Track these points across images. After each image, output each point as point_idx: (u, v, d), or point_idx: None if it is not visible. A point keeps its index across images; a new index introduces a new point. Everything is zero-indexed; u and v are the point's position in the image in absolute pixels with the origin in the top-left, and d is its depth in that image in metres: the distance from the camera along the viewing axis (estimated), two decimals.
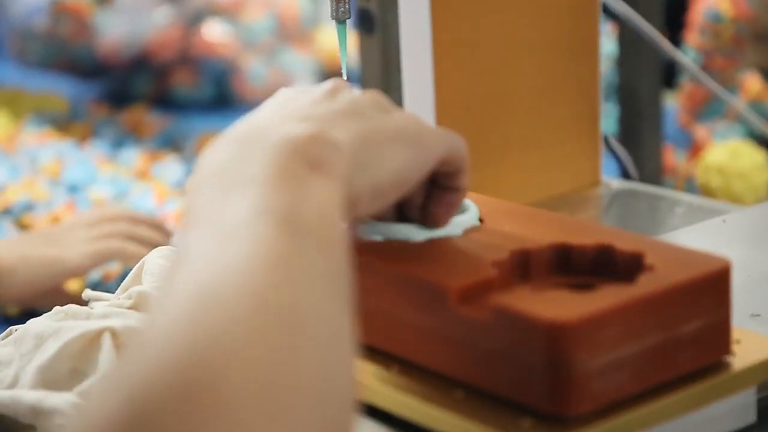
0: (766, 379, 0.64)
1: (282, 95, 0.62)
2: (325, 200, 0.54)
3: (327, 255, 0.52)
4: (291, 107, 0.60)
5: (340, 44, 0.75)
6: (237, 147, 0.57)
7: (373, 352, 0.68)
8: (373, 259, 0.67)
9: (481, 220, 0.71)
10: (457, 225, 0.69)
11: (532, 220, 0.70)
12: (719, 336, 0.63)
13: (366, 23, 1.15)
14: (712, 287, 0.62)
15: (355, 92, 0.63)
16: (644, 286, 0.60)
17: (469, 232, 0.69)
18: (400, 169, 0.61)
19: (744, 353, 0.64)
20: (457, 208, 0.68)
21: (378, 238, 0.69)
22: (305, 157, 0.55)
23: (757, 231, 0.89)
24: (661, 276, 0.61)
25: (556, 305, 0.59)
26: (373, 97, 0.63)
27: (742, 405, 0.64)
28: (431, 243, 0.68)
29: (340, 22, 0.75)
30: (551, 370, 0.58)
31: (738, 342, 0.64)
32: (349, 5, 0.75)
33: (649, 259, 0.62)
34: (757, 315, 0.72)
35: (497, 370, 0.61)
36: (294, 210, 0.52)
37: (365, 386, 0.66)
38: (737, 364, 0.63)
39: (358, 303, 0.67)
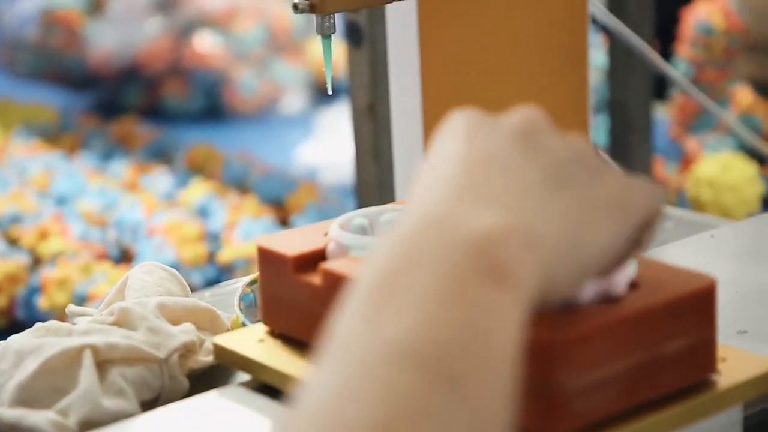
0: (752, 397, 0.64)
1: (460, 132, 0.51)
2: (499, 326, 0.45)
3: (478, 409, 0.43)
4: (478, 171, 0.49)
5: (325, 59, 0.75)
6: (407, 243, 0.46)
7: None
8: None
9: None
10: None
11: None
12: (705, 354, 0.62)
13: (354, 36, 1.15)
14: (697, 305, 0.61)
15: (553, 137, 0.53)
16: (629, 304, 0.60)
17: None
18: (608, 245, 0.51)
19: (730, 371, 0.63)
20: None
21: (365, 253, 0.68)
22: (489, 265, 0.45)
23: (746, 246, 0.89)
24: (646, 294, 0.61)
25: (541, 324, 0.59)
26: (576, 147, 0.52)
27: (728, 423, 0.64)
28: None
29: (325, 36, 0.74)
30: (536, 389, 0.57)
31: (724, 360, 0.64)
32: (334, 20, 0.75)
33: (634, 277, 0.62)
34: (744, 332, 0.71)
35: None
36: (449, 349, 0.43)
37: None
38: (723, 382, 0.63)
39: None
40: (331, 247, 0.70)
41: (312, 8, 0.72)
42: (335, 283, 0.67)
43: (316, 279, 0.68)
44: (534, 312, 0.50)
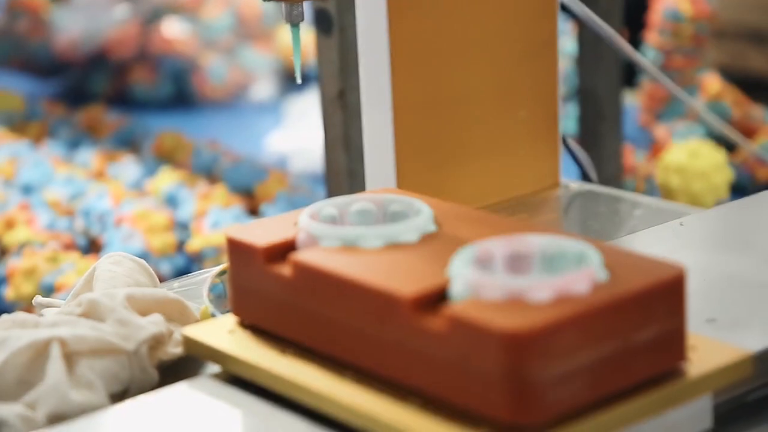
0: (722, 385, 0.64)
1: None
2: None
3: None
4: None
5: (294, 48, 0.74)
6: None
7: (326, 360, 0.67)
8: (328, 266, 0.66)
9: (437, 225, 0.70)
10: (414, 229, 0.69)
11: (487, 225, 0.69)
12: (675, 343, 0.62)
13: (323, 24, 1.14)
14: (667, 294, 0.62)
15: None
16: (599, 294, 0.60)
17: (425, 237, 0.68)
18: None
19: (700, 360, 0.64)
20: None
21: (335, 243, 0.68)
22: None
23: (714, 234, 0.89)
24: (616, 284, 0.61)
25: (511, 315, 0.59)
26: None
27: (698, 411, 0.64)
28: (387, 249, 0.67)
29: (294, 25, 0.73)
30: (507, 380, 0.58)
31: (694, 348, 0.64)
32: (302, 8, 0.74)
33: (604, 266, 0.62)
34: (713, 320, 0.72)
35: (453, 379, 0.60)
36: None
37: (318, 394, 0.65)
38: (693, 370, 0.63)
39: (314, 311, 0.66)
40: (300, 237, 0.70)
41: None
42: (305, 273, 0.67)
43: (285, 269, 0.68)
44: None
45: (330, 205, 0.72)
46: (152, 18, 2.08)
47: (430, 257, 0.66)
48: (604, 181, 1.27)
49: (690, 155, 1.33)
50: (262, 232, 0.70)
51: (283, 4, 0.72)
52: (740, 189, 1.47)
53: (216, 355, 0.70)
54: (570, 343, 0.58)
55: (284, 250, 0.69)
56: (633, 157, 1.54)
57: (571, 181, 1.10)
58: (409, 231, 0.68)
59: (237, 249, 0.71)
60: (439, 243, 0.68)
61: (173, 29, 2.08)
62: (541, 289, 0.60)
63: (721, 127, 1.31)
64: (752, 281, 0.78)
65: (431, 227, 0.70)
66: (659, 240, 0.87)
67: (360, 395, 0.64)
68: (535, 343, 0.57)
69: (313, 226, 0.69)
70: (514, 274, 0.65)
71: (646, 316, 0.61)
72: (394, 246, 0.67)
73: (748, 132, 1.62)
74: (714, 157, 1.32)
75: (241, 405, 0.67)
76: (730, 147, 1.49)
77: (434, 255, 0.66)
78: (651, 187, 1.49)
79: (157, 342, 0.73)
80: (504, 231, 0.68)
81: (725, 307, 0.74)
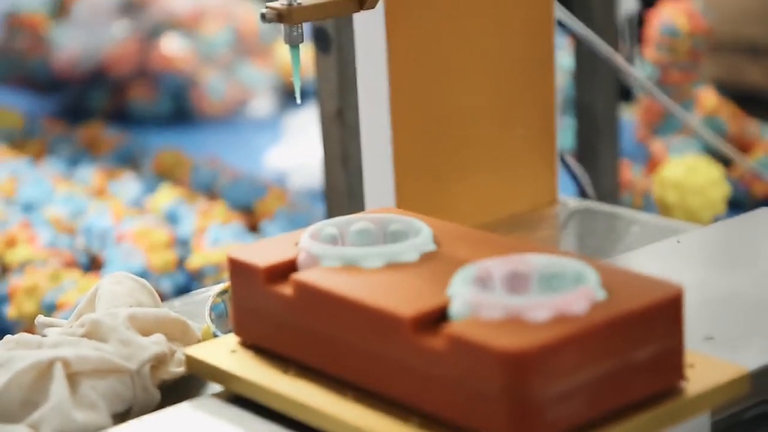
0: (720, 402, 0.65)
1: None
2: None
3: None
4: None
5: (294, 68, 0.75)
6: None
7: (328, 379, 0.67)
8: (329, 286, 0.66)
9: (437, 244, 0.71)
10: (414, 249, 0.69)
11: (486, 244, 0.70)
12: (673, 361, 0.63)
13: (322, 42, 1.15)
14: (665, 313, 0.62)
15: None
16: (597, 313, 0.61)
17: (425, 257, 0.69)
18: None
19: (698, 378, 0.64)
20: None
21: (335, 263, 0.69)
22: None
23: (711, 251, 0.90)
24: (614, 303, 0.62)
25: (510, 334, 0.59)
26: None
27: (696, 429, 0.65)
28: (388, 269, 0.68)
29: (293, 46, 0.74)
30: (507, 399, 0.58)
31: (692, 366, 0.65)
32: (302, 29, 0.75)
33: (602, 285, 0.63)
34: (711, 338, 0.72)
35: (453, 398, 0.61)
36: None
37: (320, 413, 0.65)
38: (691, 388, 0.64)
39: (315, 331, 0.67)
40: (302, 258, 0.70)
41: (280, 18, 0.73)
42: (306, 293, 0.67)
43: (287, 289, 0.69)
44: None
45: (330, 225, 0.73)
46: (151, 34, 2.09)
47: (430, 277, 0.66)
48: (601, 196, 1.28)
49: (687, 171, 1.34)
50: (263, 253, 0.71)
51: (282, 26, 0.73)
52: (737, 204, 1.48)
53: (218, 375, 0.71)
54: (569, 362, 0.59)
55: (285, 270, 0.70)
56: (630, 172, 1.55)
57: (568, 198, 1.10)
58: (409, 251, 0.69)
59: (239, 269, 0.71)
60: (438, 262, 0.68)
61: (172, 46, 2.09)
62: (540, 308, 0.60)
63: (717, 142, 1.32)
64: (750, 298, 0.78)
65: (431, 247, 0.70)
66: (657, 257, 0.88)
67: (361, 414, 0.64)
68: (535, 363, 0.58)
69: (313, 246, 0.70)
70: (513, 293, 0.65)
71: (645, 335, 0.62)
72: (394, 265, 0.68)
73: (744, 147, 1.63)
74: (711, 173, 1.33)
75: (243, 425, 0.68)
76: (726, 161, 1.50)
77: (434, 274, 0.67)
78: (648, 203, 1.49)
79: (159, 362, 0.74)
80: (503, 250, 0.68)
81: (723, 325, 0.74)
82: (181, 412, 0.70)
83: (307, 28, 1.62)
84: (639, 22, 1.71)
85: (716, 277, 0.83)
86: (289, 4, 0.74)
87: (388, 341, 0.63)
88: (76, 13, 2.05)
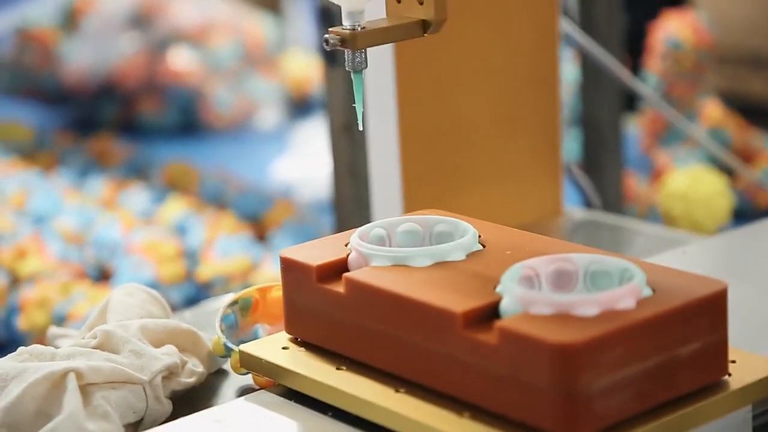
0: (761, 397, 0.66)
1: None
2: None
3: None
4: None
5: (357, 94, 0.74)
6: None
7: (382, 374, 0.68)
8: (381, 284, 0.68)
9: (482, 245, 0.72)
10: (460, 249, 0.71)
11: (531, 244, 0.71)
12: (717, 356, 0.64)
13: (330, 55, 1.16)
14: (709, 309, 0.63)
15: None
16: (644, 309, 0.62)
17: (471, 256, 0.70)
18: None
19: (740, 373, 0.65)
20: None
21: (385, 263, 0.70)
22: None
23: (717, 262, 0.90)
24: (660, 299, 0.63)
25: (560, 328, 0.60)
26: None
27: (739, 422, 0.66)
28: (437, 267, 0.69)
29: (356, 72, 0.73)
30: (557, 392, 0.59)
31: (734, 362, 0.66)
32: (365, 55, 0.73)
33: (648, 282, 0.64)
34: None
35: (504, 392, 0.62)
36: None
37: (375, 407, 0.66)
38: (734, 383, 0.65)
39: (367, 327, 0.68)
40: (352, 257, 0.72)
41: (343, 43, 0.72)
42: (359, 291, 0.69)
43: (339, 288, 0.70)
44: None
45: (378, 227, 0.74)
46: (159, 47, 2.11)
47: (478, 275, 0.68)
48: (606, 207, 1.29)
49: (692, 182, 1.35)
50: (314, 252, 0.73)
51: (346, 51, 0.73)
52: (741, 214, 1.48)
53: (273, 370, 0.72)
54: (616, 356, 0.60)
55: (337, 269, 0.71)
56: (635, 182, 1.56)
57: (574, 209, 1.11)
58: (456, 250, 0.70)
59: (291, 268, 0.73)
60: (485, 261, 0.70)
61: (180, 59, 2.10)
62: (589, 304, 0.61)
63: (721, 154, 1.33)
64: (756, 309, 0.79)
65: (477, 246, 0.72)
66: None
67: (415, 407, 0.66)
68: (584, 356, 0.59)
69: (363, 247, 0.71)
70: (559, 291, 0.66)
71: (690, 331, 0.63)
72: (442, 264, 0.69)
73: (749, 157, 1.64)
74: (715, 184, 1.34)
75: (297, 418, 0.69)
76: (730, 172, 1.51)
77: (482, 273, 0.68)
78: (653, 213, 1.50)
79: (171, 373, 0.75)
80: (547, 249, 0.69)
81: (731, 335, 0.75)
82: (236, 406, 0.71)
83: (316, 41, 1.64)
84: (642, 34, 1.72)
85: None
86: (353, 29, 0.72)
87: (440, 337, 0.65)
88: (86, 27, 2.06)
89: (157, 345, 0.77)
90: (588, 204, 1.23)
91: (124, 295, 0.82)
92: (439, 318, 0.64)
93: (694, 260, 0.90)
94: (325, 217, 1.58)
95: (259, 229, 1.56)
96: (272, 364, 0.72)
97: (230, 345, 0.78)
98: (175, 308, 1.32)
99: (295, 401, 0.70)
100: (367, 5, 0.73)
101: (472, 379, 0.63)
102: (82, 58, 2.05)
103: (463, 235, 0.72)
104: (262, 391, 0.73)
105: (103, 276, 1.43)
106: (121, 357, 0.75)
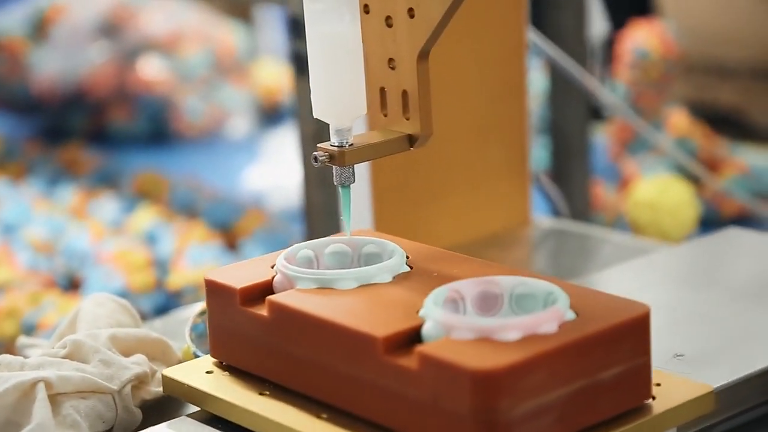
0: (686, 420, 0.66)
1: None
2: None
3: None
4: None
5: (344, 207, 0.75)
6: None
7: (306, 399, 0.68)
8: (304, 307, 0.68)
9: (410, 266, 0.72)
10: (387, 271, 0.71)
11: (458, 265, 0.72)
12: (640, 380, 0.64)
13: (300, 65, 1.17)
14: (632, 333, 0.64)
15: None
16: (567, 334, 0.62)
17: (398, 278, 0.71)
18: None
19: (664, 396, 0.66)
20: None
21: (310, 285, 0.70)
22: None
23: (683, 270, 0.91)
24: (582, 323, 0.63)
25: (481, 354, 0.61)
26: None
27: None
28: (362, 290, 0.69)
29: (344, 186, 0.74)
30: (478, 419, 0.59)
31: (658, 385, 0.66)
32: (353, 169, 0.74)
33: (571, 306, 0.64)
34: (681, 355, 0.74)
35: (426, 418, 0.62)
36: None
37: None
38: (658, 407, 0.65)
39: (291, 352, 0.68)
40: (277, 280, 0.72)
41: (332, 160, 0.73)
42: (282, 314, 0.69)
43: (263, 311, 0.70)
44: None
45: (306, 248, 0.74)
46: (129, 56, 2.10)
47: (403, 298, 0.68)
48: (574, 215, 1.30)
49: (659, 191, 1.36)
50: (239, 274, 0.72)
51: (333, 167, 0.74)
52: (707, 223, 1.50)
53: (195, 396, 0.72)
54: (538, 381, 0.60)
55: (261, 291, 0.71)
56: (603, 191, 1.57)
57: (542, 218, 1.12)
58: (382, 272, 0.70)
59: (215, 290, 0.73)
60: (411, 284, 0.70)
61: (150, 67, 2.10)
62: (511, 329, 0.62)
63: (687, 163, 1.34)
64: (720, 317, 0.80)
65: (404, 268, 0.72)
66: (629, 276, 0.89)
67: None
68: (504, 382, 0.60)
69: (288, 269, 0.71)
70: (484, 313, 0.67)
71: (613, 355, 0.63)
72: (368, 287, 0.69)
73: (715, 166, 1.66)
74: (683, 193, 1.35)
75: None
76: (697, 180, 1.53)
77: (407, 296, 0.68)
78: (621, 222, 1.51)
79: (140, 382, 0.75)
80: (474, 271, 0.70)
81: (694, 343, 0.76)
82: None
83: (285, 50, 1.64)
84: (610, 43, 1.74)
85: (688, 296, 0.84)
86: (341, 146, 0.73)
87: (361, 362, 0.65)
88: (55, 36, 2.06)
89: (127, 354, 0.77)
90: (556, 213, 1.24)
91: (94, 305, 0.82)
92: (360, 342, 0.64)
93: (661, 269, 0.91)
94: (296, 225, 1.59)
95: (230, 237, 1.56)
96: (194, 388, 0.71)
97: (200, 354, 0.78)
98: (145, 317, 1.32)
99: (220, 427, 0.70)
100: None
101: (395, 405, 0.63)
102: (52, 67, 2.04)
103: (391, 257, 0.72)
104: (184, 417, 0.72)
105: (72, 285, 1.43)
106: (90, 366, 0.75)
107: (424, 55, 0.74)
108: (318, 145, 0.74)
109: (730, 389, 0.70)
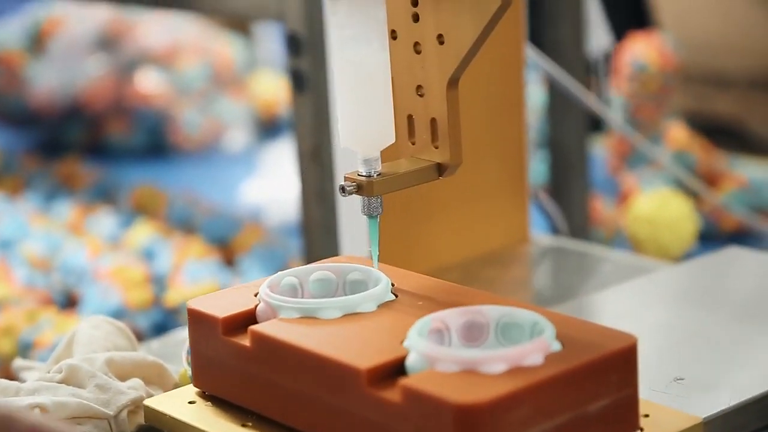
0: None
1: None
2: None
3: None
4: None
5: (372, 239, 0.74)
6: None
7: (286, 430, 0.67)
8: (286, 338, 0.67)
9: (395, 294, 0.71)
10: (371, 299, 0.70)
11: (445, 294, 0.71)
12: (628, 411, 0.64)
13: (298, 82, 1.16)
14: (620, 364, 0.63)
15: None
16: (552, 365, 0.61)
17: (383, 306, 0.70)
18: None
19: (652, 427, 0.65)
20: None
21: (293, 315, 0.69)
22: None
23: (682, 290, 0.91)
24: (569, 355, 0.62)
25: (465, 387, 0.60)
26: None
27: None
28: (346, 319, 0.68)
29: (372, 217, 0.74)
30: None
31: (646, 416, 0.66)
32: (381, 200, 0.73)
33: (557, 336, 0.64)
34: (681, 379, 0.73)
35: None
36: None
37: None
38: None
39: (274, 382, 0.67)
40: (260, 309, 0.71)
41: (359, 190, 0.72)
42: (264, 344, 0.68)
43: (245, 341, 0.69)
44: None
45: (290, 275, 0.73)
46: (127, 69, 2.10)
47: (388, 328, 0.67)
48: (573, 231, 1.29)
49: (658, 206, 1.36)
50: (222, 303, 0.72)
51: (362, 198, 0.73)
52: (706, 237, 1.49)
53: (176, 427, 0.71)
54: (523, 414, 0.60)
55: (244, 321, 0.70)
56: (601, 205, 1.56)
57: (541, 235, 1.12)
58: (366, 301, 0.70)
59: (198, 319, 0.72)
60: (396, 313, 0.69)
61: (148, 80, 2.10)
62: (495, 361, 0.61)
63: (686, 178, 1.34)
64: (720, 338, 0.80)
65: (389, 296, 0.71)
66: (628, 296, 0.89)
67: None
68: (489, 416, 0.59)
69: (271, 297, 0.70)
70: (469, 343, 0.66)
71: (600, 386, 0.62)
72: (352, 316, 0.69)
73: (713, 180, 1.65)
74: (682, 208, 1.35)
75: None
76: (696, 194, 1.52)
77: (391, 326, 0.67)
78: (620, 237, 1.51)
79: (136, 406, 0.75)
80: (461, 300, 0.69)
81: (693, 366, 0.75)
82: None
83: (283, 63, 1.63)
84: (610, 56, 1.74)
85: (687, 317, 0.84)
86: (369, 176, 0.72)
87: (344, 393, 0.64)
88: (52, 49, 2.05)
89: (124, 378, 0.77)
90: (554, 229, 1.24)
91: (90, 328, 0.82)
92: (343, 374, 0.63)
93: (660, 288, 0.90)
94: (294, 240, 1.58)
95: (228, 253, 1.56)
96: (176, 419, 0.70)
97: None
98: (143, 334, 1.31)
99: None
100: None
101: None
102: (49, 80, 2.04)
103: (376, 284, 0.71)
104: None
105: (69, 302, 1.42)
106: (86, 392, 0.74)
107: (453, 83, 0.73)
108: (345, 174, 0.73)
109: (727, 415, 0.70)
